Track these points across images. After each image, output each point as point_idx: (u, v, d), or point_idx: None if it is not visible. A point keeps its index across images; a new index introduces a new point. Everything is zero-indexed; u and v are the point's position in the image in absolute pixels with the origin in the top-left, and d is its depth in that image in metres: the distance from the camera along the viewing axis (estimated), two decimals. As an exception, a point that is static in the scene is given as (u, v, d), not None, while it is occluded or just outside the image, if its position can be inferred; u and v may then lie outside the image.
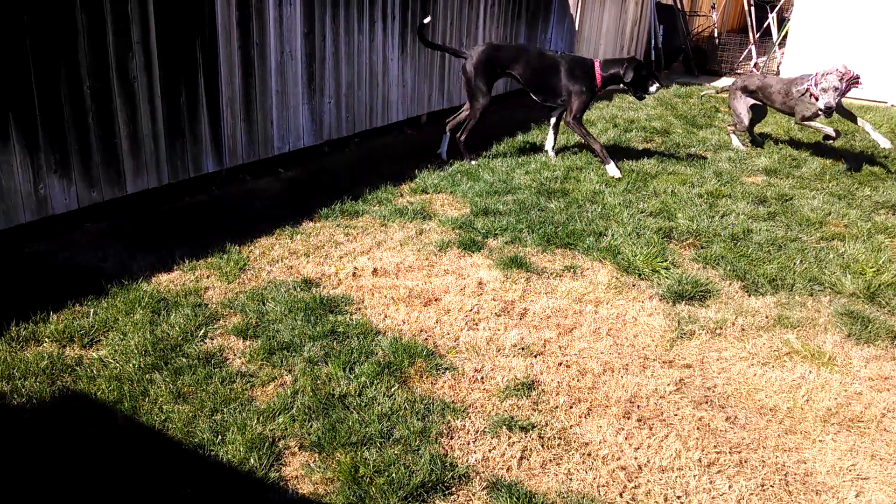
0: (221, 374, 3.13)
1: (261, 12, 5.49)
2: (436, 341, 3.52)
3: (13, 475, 2.52)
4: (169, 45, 4.84)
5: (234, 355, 3.30)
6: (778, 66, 12.36)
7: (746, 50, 13.27)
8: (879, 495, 2.71)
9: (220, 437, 2.73)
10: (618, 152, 6.94)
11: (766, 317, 3.94)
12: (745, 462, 2.84)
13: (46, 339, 3.31)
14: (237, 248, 4.38)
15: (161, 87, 4.85)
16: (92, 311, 3.56)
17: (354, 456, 2.67)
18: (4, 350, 3.19)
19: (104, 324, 3.47)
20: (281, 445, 2.73)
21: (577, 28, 9.37)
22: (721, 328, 3.80)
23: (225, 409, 2.90)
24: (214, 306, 3.70)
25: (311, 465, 2.64)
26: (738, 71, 13.22)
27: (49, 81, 4.18)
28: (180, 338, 3.37)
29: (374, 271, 4.21)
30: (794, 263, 4.57)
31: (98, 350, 3.28)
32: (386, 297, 3.92)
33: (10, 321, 3.38)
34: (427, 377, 3.22)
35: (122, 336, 3.37)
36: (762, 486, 2.72)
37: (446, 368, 3.29)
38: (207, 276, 4.03)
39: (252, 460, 2.62)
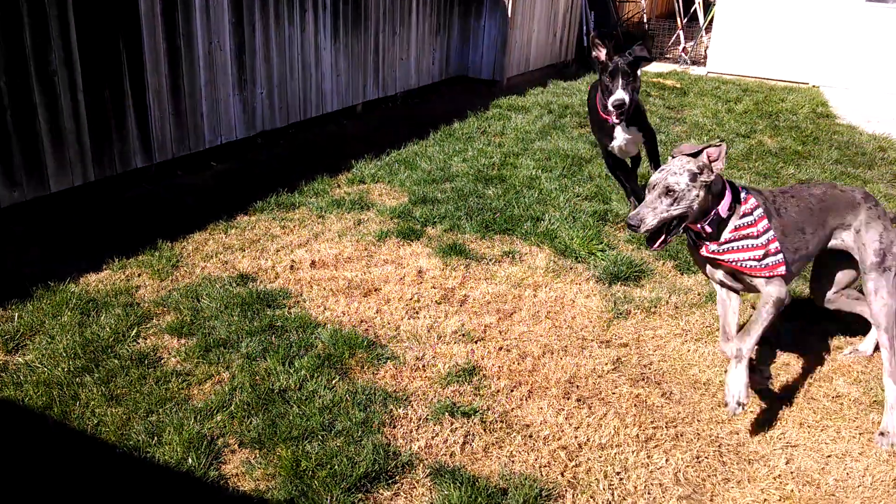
0: (156, 374, 3.05)
1: (186, 2, 5.34)
2: (376, 331, 3.51)
3: (-65, 489, 2.41)
4: (90, 38, 4.66)
5: (169, 354, 3.22)
6: (705, 51, 12.67)
7: (675, 35, 13.57)
8: (808, 461, 2.82)
9: (156, 438, 2.67)
10: (553, 138, 7.02)
11: (698, 294, 4.05)
12: (681, 436, 2.92)
13: (-32, 347, 3.17)
14: (169, 244, 4.27)
15: (83, 81, 4.67)
16: (16, 315, 3.42)
17: (296, 450, 2.64)
18: (-78, 359, 3.04)
19: (30, 328, 3.34)
20: (220, 443, 2.68)
21: (510, 16, 9.42)
22: (655, 307, 3.89)
23: (160, 410, 2.83)
24: (147, 305, 3.60)
25: (252, 461, 2.61)
26: (667, 56, 13.50)
27: (-40, 77, 3.99)
28: (111, 339, 3.27)
29: (313, 263, 4.16)
30: (724, 241, 4.71)
31: (24, 355, 3.15)
32: (325, 289, 3.88)
33: (-73, 329, 3.23)
34: (368, 367, 3.21)
35: (49, 339, 3.25)
36: (697, 457, 2.80)
37: (387, 358, 3.28)
38: (139, 275, 3.92)
39: (190, 460, 2.57)
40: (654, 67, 12.38)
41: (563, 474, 2.67)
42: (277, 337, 3.36)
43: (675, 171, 2.68)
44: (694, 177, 2.66)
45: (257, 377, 3.06)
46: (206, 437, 2.69)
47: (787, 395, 3.22)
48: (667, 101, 9.15)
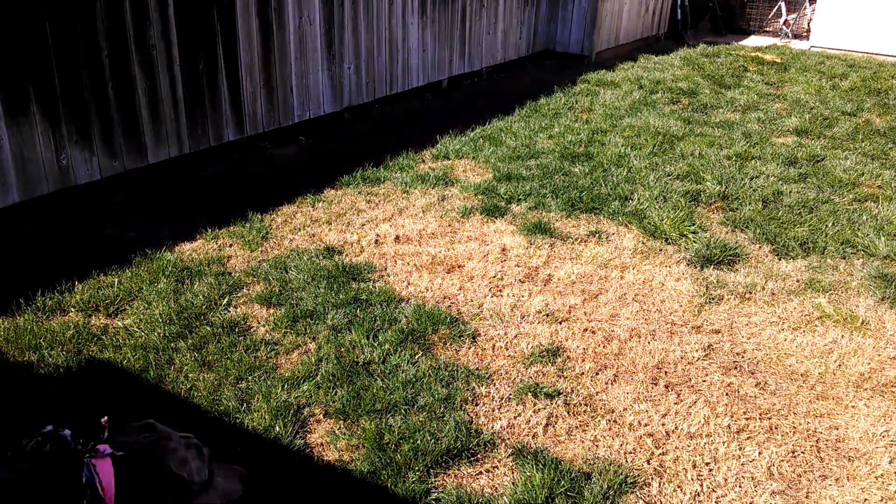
0: (245, 342, 3.13)
1: (278, -23, 5.41)
2: (459, 308, 3.49)
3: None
4: (186, 12, 4.79)
5: (258, 323, 3.30)
6: (808, 24, 12.00)
7: (776, 7, 12.89)
8: (914, 461, 2.65)
9: (245, 404, 2.74)
10: (643, 114, 6.80)
11: (797, 281, 3.86)
12: (776, 428, 2.79)
13: (72, 309, 3.33)
14: (259, 216, 4.37)
15: (179, 55, 4.81)
16: (116, 280, 3.58)
17: (379, 423, 2.66)
18: (31, 320, 3.21)
19: (129, 293, 3.48)
20: (306, 413, 2.73)
21: (600, -13, 9.16)
22: (750, 293, 3.72)
23: (250, 377, 2.90)
24: (238, 275, 3.70)
25: (336, 432, 2.64)
26: (768, 29, 12.86)
27: (68, 51, 4.16)
28: (204, 306, 3.38)
29: (397, 238, 4.18)
30: (826, 226, 4.46)
31: (123, 319, 3.29)
32: (409, 264, 3.89)
33: (35, 291, 3.40)
34: (451, 344, 3.20)
35: (146, 305, 3.38)
36: (793, 452, 2.68)
37: (470, 335, 3.26)
38: (230, 245, 4.02)
39: (277, 428, 2.62)
40: (753, 41, 11.83)
41: (649, 462, 2.59)
42: (362, 310, 3.39)
43: None
44: None
45: (342, 349, 3.10)
46: (292, 405, 2.74)
47: (893, 390, 3.03)
48: (766, 76, 8.72)
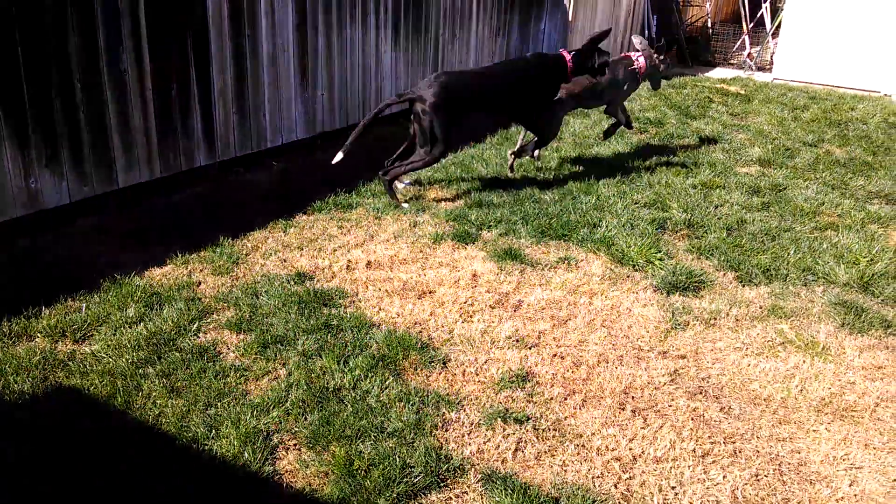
0: (215, 368, 3.12)
1: (252, 5, 5.46)
2: (430, 334, 3.52)
3: (6, 471, 2.50)
4: (160, 38, 4.81)
5: (228, 349, 3.29)
6: (771, 56, 12.35)
7: (740, 40, 13.26)
8: (873, 484, 2.72)
9: (214, 431, 2.73)
10: (612, 143, 6.93)
11: (760, 307, 3.95)
12: (740, 452, 2.84)
13: (38, 335, 3.30)
14: (230, 241, 4.36)
15: (152, 80, 4.82)
16: (84, 305, 3.55)
17: (349, 449, 2.66)
18: (-4, 346, 3.17)
19: (97, 318, 3.45)
20: (275, 439, 2.73)
21: (570, 20, 9.34)
22: (715, 319, 3.80)
23: (219, 404, 2.89)
24: (207, 300, 3.69)
25: (306, 458, 2.64)
26: (732, 61, 13.20)
27: (39, 75, 4.15)
28: (173, 332, 3.36)
29: (369, 264, 4.20)
30: (788, 254, 4.58)
31: (91, 345, 3.26)
32: (380, 289, 3.91)
33: (1, 317, 3.36)
34: (422, 370, 3.22)
35: (114, 331, 3.35)
36: (756, 476, 2.73)
37: (441, 361, 3.28)
38: (200, 270, 4.01)
39: (246, 454, 2.61)
40: (718, 73, 12.13)
41: (616, 486, 2.63)
42: (333, 336, 3.40)
43: None
44: None
45: (313, 375, 3.10)
46: (262, 432, 2.74)
47: (853, 415, 3.11)
48: (730, 107, 8.95)
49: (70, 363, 3.10)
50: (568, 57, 5.42)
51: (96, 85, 4.48)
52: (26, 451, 2.60)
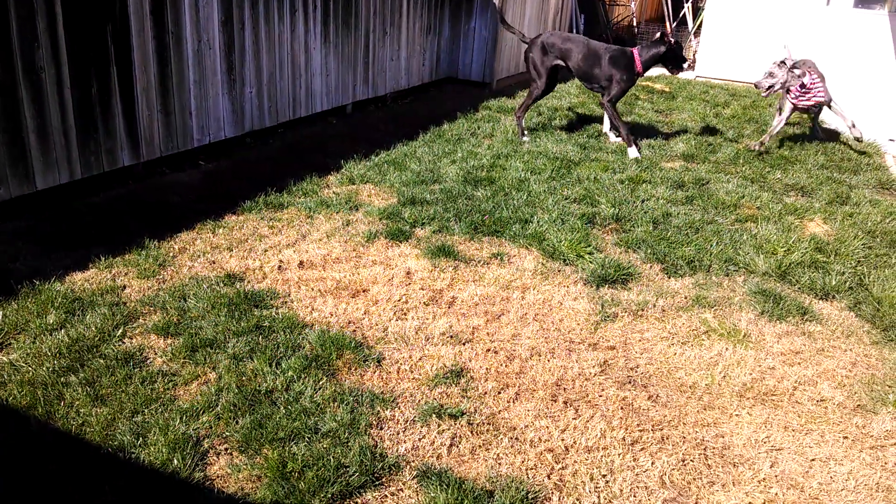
0: (142, 374, 3.03)
1: (175, 0, 5.31)
2: (364, 332, 3.51)
3: (-84, 489, 2.38)
4: (78, 35, 4.63)
5: (155, 354, 3.20)
6: (694, 55, 12.74)
7: (664, 39, 13.62)
8: (792, 465, 2.84)
9: (141, 438, 2.65)
10: (542, 140, 7.04)
11: (685, 297, 4.08)
12: (667, 439, 2.93)
13: (-49, 345, 3.14)
14: (156, 243, 4.25)
15: (70, 78, 4.64)
16: (1, 313, 3.39)
17: (282, 452, 2.63)
18: None
19: (14, 326, 3.31)
20: (206, 445, 2.67)
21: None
22: (643, 310, 3.91)
23: (146, 410, 2.81)
24: (133, 304, 3.58)
25: (238, 462, 2.60)
26: (657, 59, 13.55)
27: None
28: (97, 338, 3.25)
29: (301, 264, 4.15)
30: (711, 245, 4.74)
31: (8, 354, 3.13)
32: (313, 289, 3.87)
33: None
34: (356, 369, 3.20)
35: (34, 338, 3.22)
36: (683, 461, 2.82)
37: (375, 359, 3.27)
38: (125, 274, 3.89)
39: (175, 461, 2.55)
40: (644, 71, 12.43)
41: (549, 476, 2.67)
42: (265, 337, 3.35)
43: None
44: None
45: (244, 378, 3.05)
46: (191, 437, 2.68)
47: (773, 399, 3.25)
48: (655, 104, 9.19)
49: (-14, 374, 2.97)
50: (636, 52, 6.83)
51: (11, 84, 4.28)
52: (-61, 467, 2.48)
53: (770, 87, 6.94)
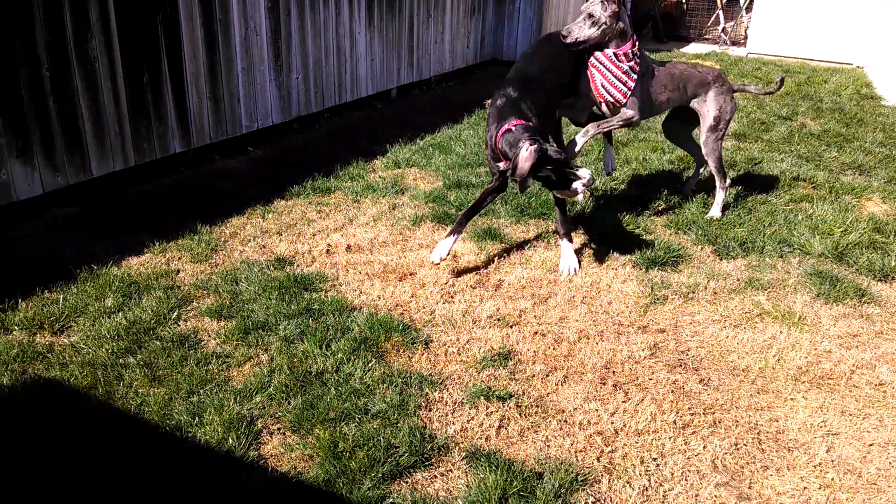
0: (196, 355, 3.11)
1: (223, -13, 5.38)
2: (412, 315, 3.53)
3: (-13, 465, 2.49)
4: (129, 24, 4.73)
5: (209, 336, 3.28)
6: (745, 31, 12.40)
7: (714, 15, 13.29)
8: (849, 450, 2.77)
9: (197, 418, 2.72)
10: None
11: (738, 279, 3.99)
12: (719, 422, 2.89)
13: (16, 328, 3.26)
14: (208, 228, 4.33)
15: (123, 67, 4.75)
16: (62, 297, 3.51)
17: (333, 432, 2.67)
18: (-27, 340, 3.14)
19: (74, 310, 3.42)
20: (259, 424, 2.73)
21: (545, -3, 9.33)
22: (693, 292, 3.84)
23: (201, 391, 2.88)
24: (187, 288, 3.66)
25: (290, 442, 2.65)
26: (707, 36, 13.24)
27: (6, 65, 4.07)
28: (153, 321, 3.34)
29: (348, 248, 4.19)
30: (764, 226, 4.63)
31: (69, 336, 3.23)
32: (360, 273, 3.91)
33: (-23, 310, 3.32)
34: (404, 351, 3.23)
35: (93, 321, 3.33)
36: (735, 444, 2.77)
37: (423, 342, 3.29)
38: (179, 258, 3.98)
39: (231, 440, 2.61)
40: (693, 48, 12.17)
41: (598, 459, 2.66)
42: (314, 320, 3.40)
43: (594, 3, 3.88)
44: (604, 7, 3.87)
45: (295, 359, 3.10)
46: (245, 417, 2.74)
47: (829, 382, 3.17)
48: (705, 83, 8.98)
49: (49, 355, 3.08)
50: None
51: (66, 74, 4.40)
52: (7, 444, 2.58)
53: None
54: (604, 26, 3.95)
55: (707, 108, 4.47)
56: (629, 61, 4.07)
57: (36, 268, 3.77)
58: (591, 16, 3.94)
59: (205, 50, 5.34)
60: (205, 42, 5.33)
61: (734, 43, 12.61)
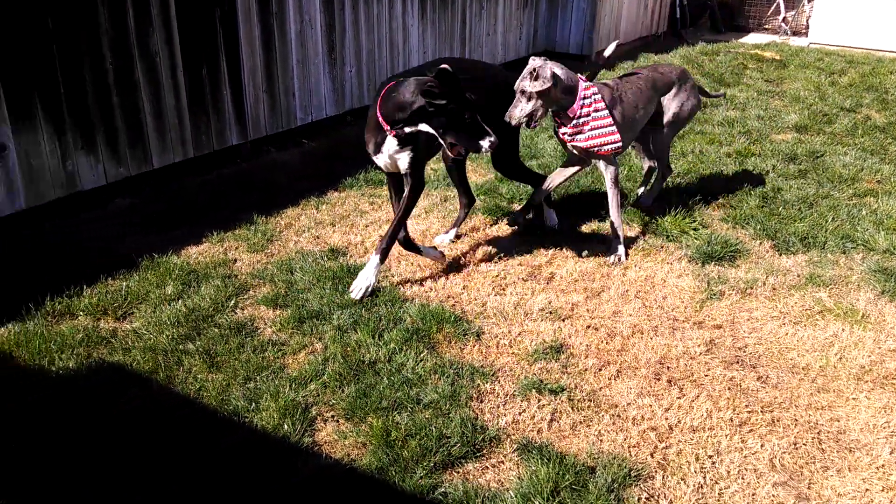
0: (253, 343, 3.17)
1: (279, -18, 5.46)
2: (463, 307, 3.53)
3: (53, 447, 2.59)
4: (189, 19, 4.83)
5: (265, 324, 3.34)
6: (807, 21, 12.03)
7: (774, 4, 12.93)
8: (915, 452, 2.68)
9: (253, 404, 2.78)
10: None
11: (798, 275, 3.89)
12: (778, 421, 2.82)
13: (81, 313, 3.38)
14: (264, 219, 4.41)
15: (182, 61, 4.86)
16: (124, 284, 3.62)
17: (386, 420, 2.70)
18: (41, 324, 3.26)
19: (137, 297, 3.52)
20: (314, 411, 2.77)
21: (599, -13, 9.20)
22: (751, 288, 3.76)
23: (258, 377, 2.94)
24: (244, 277, 3.74)
25: (344, 430, 2.68)
26: (766, 26, 12.89)
27: (72, 60, 4.21)
28: (211, 308, 3.42)
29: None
30: (826, 221, 4.49)
31: (132, 322, 3.33)
32: (412, 264, 3.93)
33: (44, 296, 3.44)
34: (455, 342, 3.24)
35: (154, 308, 3.42)
36: (795, 444, 2.71)
37: (474, 333, 3.30)
38: (236, 248, 4.07)
39: (286, 426, 2.66)
40: (752, 39, 11.86)
41: (652, 455, 2.63)
42: (367, 310, 3.43)
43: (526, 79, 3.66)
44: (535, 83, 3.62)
45: (348, 348, 3.13)
46: (300, 404, 2.78)
47: (893, 382, 3.06)
48: (765, 73, 8.75)
49: (112, 340, 3.18)
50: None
51: (128, 68, 4.53)
52: (74, 426, 2.68)
53: None
54: (542, 98, 3.69)
55: (670, 104, 4.38)
56: (588, 107, 3.82)
57: (99, 255, 3.90)
58: (523, 92, 3.69)
59: (261, 44, 5.43)
60: (261, 36, 5.41)
61: (795, 33, 12.25)
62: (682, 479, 2.52)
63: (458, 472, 2.51)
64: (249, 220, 4.38)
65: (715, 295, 3.69)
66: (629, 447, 2.66)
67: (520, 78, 3.72)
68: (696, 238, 4.25)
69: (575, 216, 4.57)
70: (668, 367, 3.13)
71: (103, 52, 4.36)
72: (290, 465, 2.52)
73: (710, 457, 2.63)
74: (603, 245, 4.17)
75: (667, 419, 2.81)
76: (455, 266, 3.91)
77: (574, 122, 3.84)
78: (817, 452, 2.68)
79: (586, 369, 3.09)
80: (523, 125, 3.79)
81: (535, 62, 3.70)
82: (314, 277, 3.71)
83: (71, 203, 4.42)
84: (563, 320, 3.44)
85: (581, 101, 3.82)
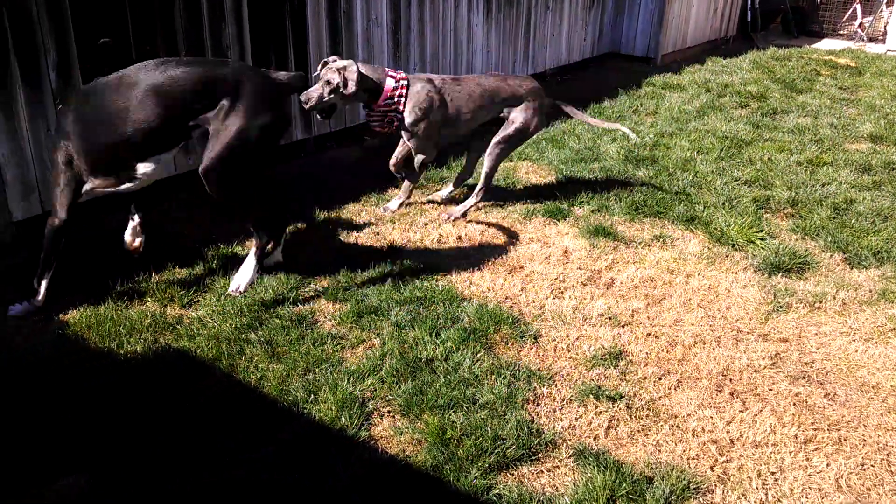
0: (313, 335, 3.22)
1: (348, -21, 5.52)
2: (521, 309, 3.52)
3: (119, 429, 2.67)
4: (259, 14, 4.93)
5: (325, 318, 3.39)
6: (885, 27, 11.59)
7: (851, 9, 12.49)
8: None
9: (312, 395, 2.82)
10: (710, 118, 6.68)
11: (870, 291, 3.75)
12: (845, 440, 2.73)
13: (149, 299, 3.48)
14: (325, 214, 4.47)
15: (252, 56, 4.95)
16: (190, 273, 3.71)
17: (442, 419, 2.70)
18: (111, 308, 3.36)
19: (202, 285, 3.61)
20: (370, 406, 2.79)
21: (667, -11, 9.03)
22: (820, 302, 3.64)
23: (317, 369, 2.98)
24: (304, 271, 3.79)
25: (400, 426, 2.70)
26: (841, 32, 12.46)
27: (147, 53, 4.33)
28: (273, 300, 3.48)
29: (459, 238, 4.22)
30: (902, 235, 4.32)
31: (197, 310, 3.42)
32: (471, 264, 3.93)
33: (115, 281, 3.55)
34: (513, 344, 3.22)
35: (218, 297, 3.50)
36: (862, 464, 2.61)
37: (532, 336, 3.28)
38: (296, 242, 4.13)
39: (343, 419, 2.69)
40: (826, 44, 11.49)
41: (712, 468, 2.57)
42: (425, 308, 3.45)
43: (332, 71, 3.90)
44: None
45: (406, 345, 3.15)
46: (357, 398, 2.81)
47: (972, 407, 2.93)
48: (839, 80, 8.47)
49: (178, 327, 3.26)
50: None
51: (201, 61, 4.63)
52: (141, 408, 2.76)
53: None
54: (341, 95, 3.94)
55: (514, 118, 4.38)
56: (389, 97, 4.07)
57: (166, 244, 4.00)
58: (328, 83, 3.92)
59: (328, 40, 5.50)
60: (329, 33, 5.48)
61: (871, 39, 11.81)
62: (742, 495, 2.46)
63: (513, 475, 2.50)
64: (311, 214, 4.44)
65: (781, 307, 3.59)
66: (688, 459, 2.61)
67: (327, 68, 3.97)
68: (762, 248, 4.14)
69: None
70: (731, 380, 3.05)
71: (177, 44, 4.48)
72: (347, 458, 2.55)
73: (773, 473, 2.56)
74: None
75: (728, 432, 2.74)
76: (513, 267, 3.90)
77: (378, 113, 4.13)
78: (886, 475, 2.58)
79: (645, 377, 3.04)
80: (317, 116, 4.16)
81: (338, 62, 3.96)
82: (374, 273, 3.74)
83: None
84: (623, 327, 3.40)
85: (386, 100, 4.07)
